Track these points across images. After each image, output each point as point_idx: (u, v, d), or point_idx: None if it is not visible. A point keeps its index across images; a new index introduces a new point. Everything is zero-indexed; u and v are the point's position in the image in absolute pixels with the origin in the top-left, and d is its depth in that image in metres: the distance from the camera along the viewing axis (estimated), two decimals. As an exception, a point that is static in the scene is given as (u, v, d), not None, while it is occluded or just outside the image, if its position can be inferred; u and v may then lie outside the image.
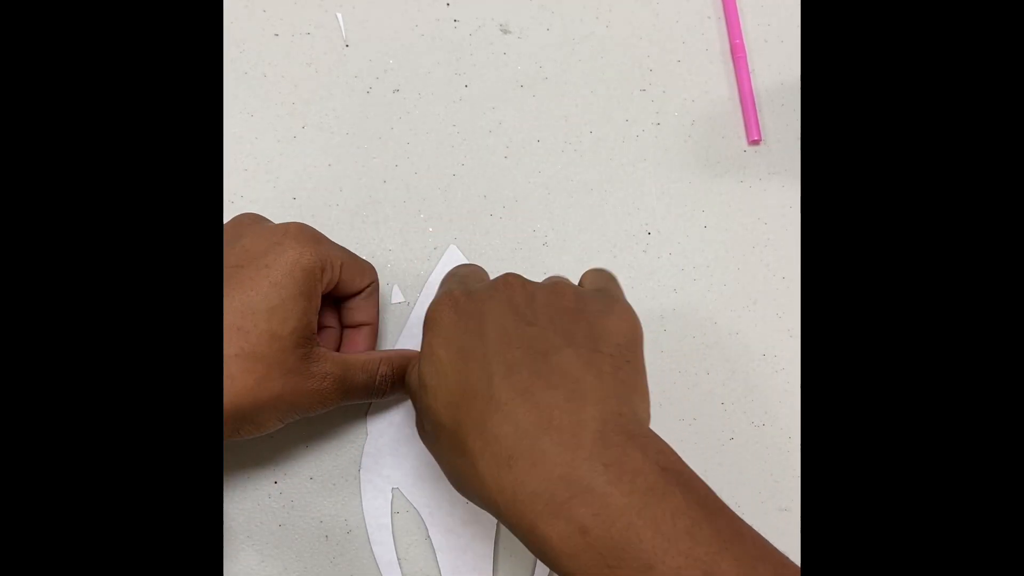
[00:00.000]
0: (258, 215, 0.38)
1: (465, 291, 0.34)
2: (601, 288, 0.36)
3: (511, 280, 0.34)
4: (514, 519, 0.28)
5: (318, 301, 0.35)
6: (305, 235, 0.35)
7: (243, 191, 0.45)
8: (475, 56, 0.48)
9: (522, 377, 0.30)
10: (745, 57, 0.48)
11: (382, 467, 0.41)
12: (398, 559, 0.40)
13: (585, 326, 0.32)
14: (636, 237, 0.45)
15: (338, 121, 0.46)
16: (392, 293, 0.43)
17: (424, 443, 0.34)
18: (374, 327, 0.40)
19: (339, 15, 0.48)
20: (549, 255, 0.45)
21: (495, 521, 0.40)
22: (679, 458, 0.29)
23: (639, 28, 0.49)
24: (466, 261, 0.44)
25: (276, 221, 0.44)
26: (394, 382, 0.38)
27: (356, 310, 0.39)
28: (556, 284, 0.35)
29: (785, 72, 0.49)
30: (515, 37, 0.48)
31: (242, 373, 0.33)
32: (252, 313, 0.33)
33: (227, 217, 0.43)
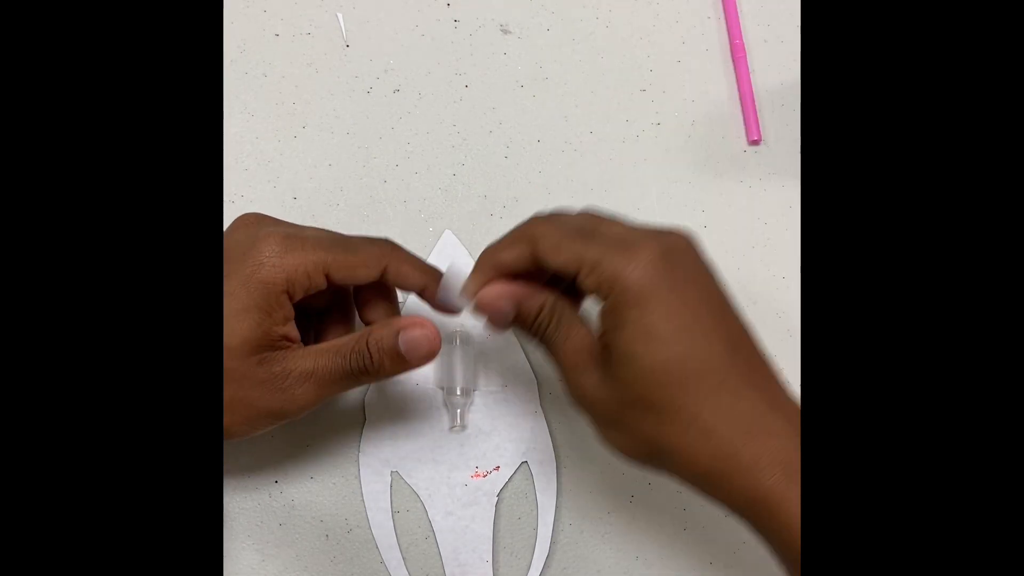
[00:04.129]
0: (260, 217, 0.36)
1: (662, 254, 0.32)
2: None
3: (692, 242, 0.34)
4: (749, 485, 0.30)
5: (282, 311, 0.34)
6: (274, 245, 0.34)
7: (243, 191, 0.45)
8: (475, 56, 0.48)
9: (744, 355, 0.32)
10: (745, 57, 0.48)
11: (380, 450, 0.41)
12: (399, 542, 0.40)
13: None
14: (636, 237, 0.45)
15: (338, 121, 0.46)
16: (392, 293, 0.43)
17: (584, 407, 0.34)
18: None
19: (339, 15, 0.48)
20: (549, 255, 0.45)
21: (494, 501, 0.41)
22: None
23: (639, 28, 0.49)
24: (461, 247, 0.44)
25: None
26: (385, 358, 0.35)
27: (372, 310, 0.38)
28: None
29: (785, 72, 0.49)
30: (515, 37, 0.48)
31: None
32: None
33: (228, 217, 0.43)
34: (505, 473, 0.41)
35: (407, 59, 0.47)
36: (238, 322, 0.33)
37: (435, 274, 0.37)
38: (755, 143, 0.47)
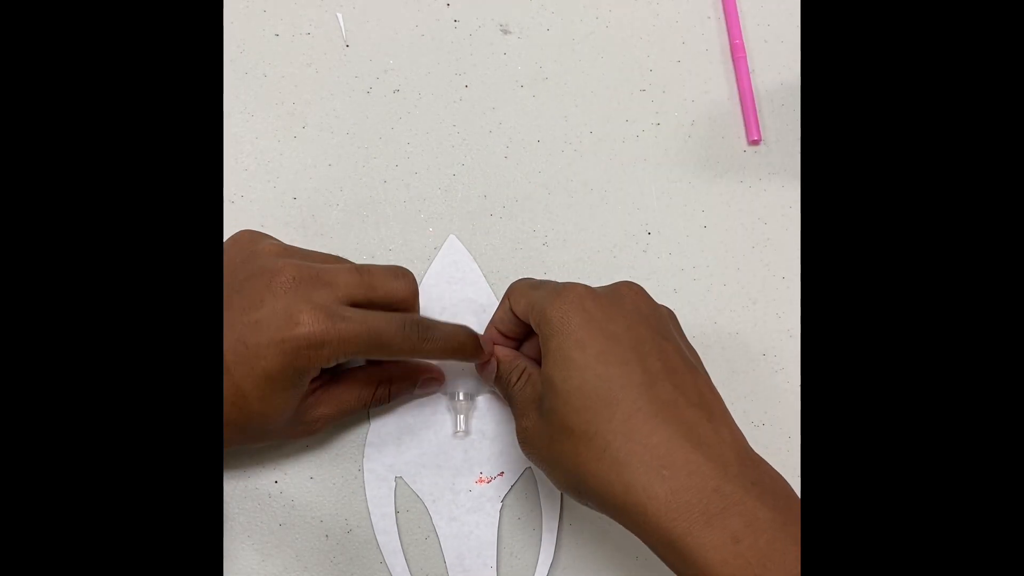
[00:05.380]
0: (297, 279, 0.34)
1: (588, 292, 0.34)
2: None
3: (636, 288, 0.36)
4: (663, 524, 0.30)
5: (315, 373, 0.36)
6: (316, 335, 0.33)
7: (243, 191, 0.45)
8: (475, 56, 0.48)
9: (666, 389, 0.32)
10: (745, 57, 0.48)
11: (385, 456, 0.41)
12: (402, 548, 0.40)
13: (693, 350, 0.35)
14: (636, 237, 0.45)
15: (338, 121, 0.46)
16: (392, 293, 0.43)
17: (527, 447, 0.35)
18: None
19: (339, 15, 0.48)
20: (549, 255, 0.45)
21: (499, 508, 0.40)
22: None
23: (639, 28, 0.49)
24: (466, 252, 0.44)
25: (275, 221, 0.44)
26: (391, 398, 0.40)
27: None
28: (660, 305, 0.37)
29: (785, 72, 0.49)
30: (515, 37, 0.48)
31: (228, 435, 0.35)
32: (243, 397, 0.34)
33: (228, 217, 0.43)
34: (509, 479, 0.41)
35: (407, 59, 0.47)
36: (283, 401, 0.35)
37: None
38: (755, 143, 0.47)
